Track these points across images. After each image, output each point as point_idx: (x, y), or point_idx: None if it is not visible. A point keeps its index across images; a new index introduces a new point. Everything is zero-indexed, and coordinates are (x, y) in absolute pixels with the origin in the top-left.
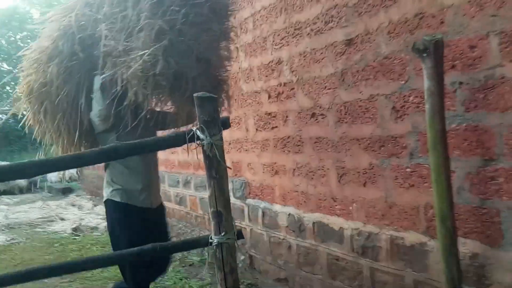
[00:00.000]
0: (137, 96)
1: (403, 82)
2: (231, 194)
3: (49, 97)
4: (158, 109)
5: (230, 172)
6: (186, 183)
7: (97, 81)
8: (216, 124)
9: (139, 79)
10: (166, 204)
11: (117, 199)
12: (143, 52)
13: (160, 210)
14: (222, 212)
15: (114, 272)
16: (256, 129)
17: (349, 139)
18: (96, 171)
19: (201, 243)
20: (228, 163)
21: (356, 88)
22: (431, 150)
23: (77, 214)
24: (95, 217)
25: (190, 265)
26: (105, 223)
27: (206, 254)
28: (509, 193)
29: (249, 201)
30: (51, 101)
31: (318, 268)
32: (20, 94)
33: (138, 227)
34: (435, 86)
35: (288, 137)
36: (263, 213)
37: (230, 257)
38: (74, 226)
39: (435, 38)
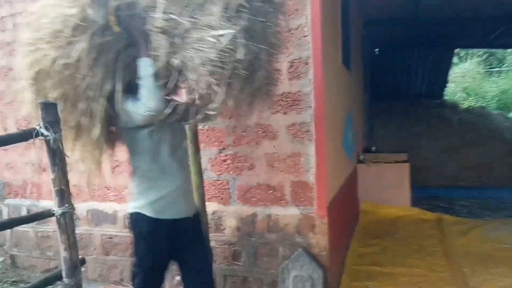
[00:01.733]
0: (206, 87)
1: None
2: None
3: (71, 82)
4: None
5: None
6: None
7: (146, 65)
8: (59, 124)
9: (212, 66)
10: None
11: (146, 212)
12: (224, 32)
13: (197, 217)
14: (64, 189)
15: None
16: (18, 128)
17: None
18: None
19: (45, 214)
20: None
21: None
22: (189, 144)
23: None
24: None
25: None
26: None
27: None
28: (233, 170)
29: (9, 201)
30: (73, 87)
31: (92, 249)
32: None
33: (167, 244)
34: None
35: None
36: (29, 211)
37: (71, 224)
38: None
39: None
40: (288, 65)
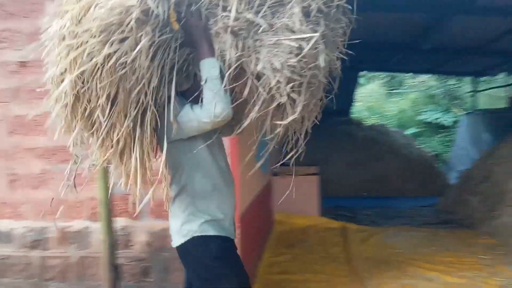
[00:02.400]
0: (285, 95)
1: None
2: None
3: (123, 83)
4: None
5: None
6: None
7: (212, 66)
8: None
9: (291, 72)
10: None
11: (211, 232)
12: (306, 35)
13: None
14: None
15: None
16: None
17: (23, 148)
18: None
19: None
20: None
21: (29, 105)
22: None
23: None
24: None
25: None
26: None
27: None
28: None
29: None
30: (123, 89)
31: None
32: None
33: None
34: None
35: None
36: None
37: None
38: None
39: None
40: None
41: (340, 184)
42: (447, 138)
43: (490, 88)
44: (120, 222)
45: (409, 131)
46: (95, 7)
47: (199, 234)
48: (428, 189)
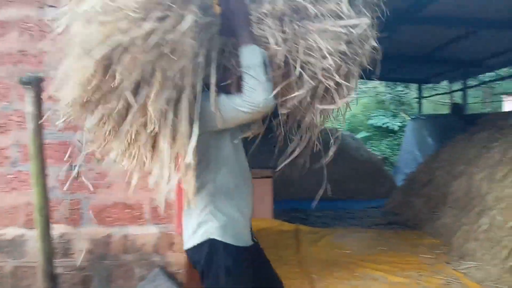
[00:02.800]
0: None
1: (6, 103)
2: None
3: (161, 62)
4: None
5: None
6: None
7: (254, 53)
8: None
9: (340, 59)
10: None
11: (229, 239)
12: (357, 21)
13: (258, 245)
14: None
15: None
16: None
17: None
18: None
19: None
20: None
21: None
22: (32, 160)
23: None
24: None
25: None
26: None
27: None
28: (87, 188)
29: None
30: (160, 70)
31: None
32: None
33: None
34: (36, 110)
35: None
36: None
37: None
38: None
39: (37, 75)
40: None
41: (294, 186)
42: (395, 142)
43: (434, 95)
44: (58, 229)
45: (360, 135)
46: None
47: (217, 238)
48: (377, 191)
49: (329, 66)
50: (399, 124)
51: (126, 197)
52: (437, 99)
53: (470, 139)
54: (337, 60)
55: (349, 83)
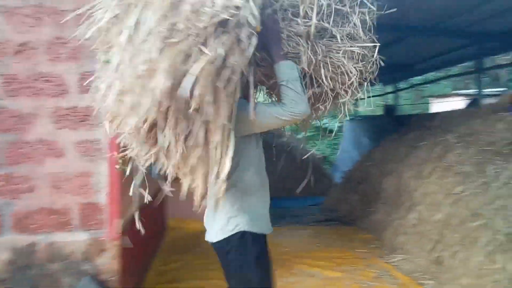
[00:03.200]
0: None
1: None
2: None
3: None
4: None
5: None
6: None
7: (291, 68)
8: None
9: (359, 75)
10: None
11: (258, 230)
12: (370, 44)
13: None
14: None
15: None
16: None
17: None
18: None
19: None
20: None
21: None
22: None
23: None
24: None
25: None
26: None
27: None
28: (7, 193)
29: None
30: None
31: None
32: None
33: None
34: None
35: None
36: None
37: None
38: None
39: None
40: (78, 77)
41: None
42: (334, 141)
43: (369, 97)
44: None
45: (301, 134)
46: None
47: (248, 230)
48: (317, 189)
49: (347, 81)
50: (337, 124)
51: (52, 202)
52: (372, 100)
53: (400, 139)
54: (353, 77)
55: (358, 93)
